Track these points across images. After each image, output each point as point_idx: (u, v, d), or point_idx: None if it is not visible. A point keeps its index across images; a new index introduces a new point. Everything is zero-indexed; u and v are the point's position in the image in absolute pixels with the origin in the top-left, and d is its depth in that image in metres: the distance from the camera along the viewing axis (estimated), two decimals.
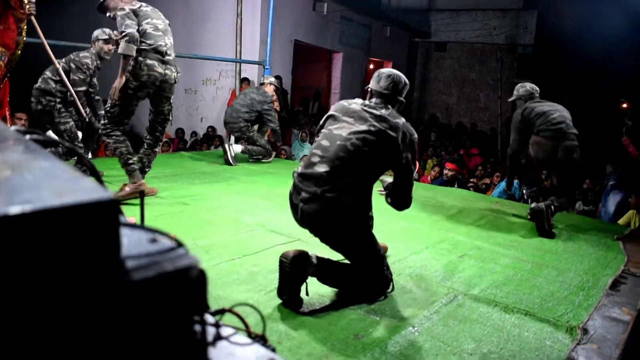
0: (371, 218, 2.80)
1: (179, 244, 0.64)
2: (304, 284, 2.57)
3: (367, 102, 2.87)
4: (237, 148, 6.95)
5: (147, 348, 0.55)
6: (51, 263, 0.48)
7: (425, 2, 15.84)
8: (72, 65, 4.79)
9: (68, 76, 4.71)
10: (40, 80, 4.80)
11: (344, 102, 2.90)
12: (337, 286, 2.75)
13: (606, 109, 14.16)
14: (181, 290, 0.58)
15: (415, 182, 6.88)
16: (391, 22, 14.56)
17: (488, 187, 7.96)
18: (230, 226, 3.84)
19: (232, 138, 7.92)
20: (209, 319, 0.76)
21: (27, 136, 0.83)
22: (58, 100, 4.85)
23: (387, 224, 4.25)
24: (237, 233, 3.68)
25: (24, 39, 3.63)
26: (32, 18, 3.65)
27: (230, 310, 0.90)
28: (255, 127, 7.28)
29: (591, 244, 4.15)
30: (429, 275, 3.16)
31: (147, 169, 4.62)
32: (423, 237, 3.98)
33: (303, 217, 2.68)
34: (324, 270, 2.65)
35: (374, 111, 2.76)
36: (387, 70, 2.95)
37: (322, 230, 2.71)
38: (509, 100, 5.30)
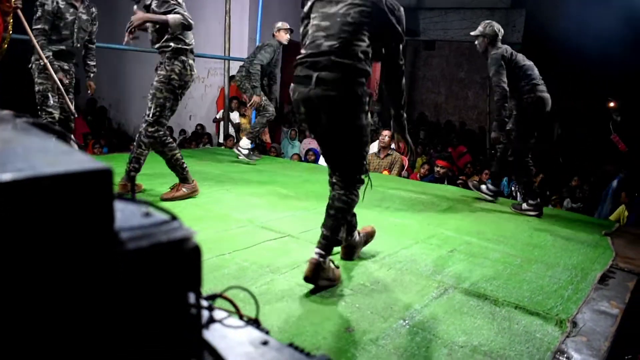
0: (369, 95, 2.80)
1: (173, 217, 0.63)
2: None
3: None
4: (243, 143, 6.75)
5: (141, 319, 0.54)
6: (44, 231, 0.47)
7: (414, 0, 15.86)
8: None
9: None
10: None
11: None
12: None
13: (598, 107, 14.25)
14: (176, 261, 0.57)
15: (404, 179, 6.93)
16: None
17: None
18: (220, 222, 3.82)
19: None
20: (202, 302, 0.75)
21: (17, 119, 0.81)
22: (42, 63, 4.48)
23: (377, 219, 4.26)
24: (228, 229, 3.66)
25: (10, 32, 3.59)
26: (19, 12, 3.61)
27: (221, 295, 0.89)
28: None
29: (580, 239, 4.18)
30: (419, 269, 3.16)
31: None
32: (413, 232, 3.98)
33: (318, 83, 2.61)
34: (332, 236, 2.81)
35: None
36: None
37: (335, 102, 2.64)
38: (472, 33, 5.24)
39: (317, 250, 2.73)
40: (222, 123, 9.11)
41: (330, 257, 2.78)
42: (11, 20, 3.53)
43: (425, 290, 2.85)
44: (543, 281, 3.15)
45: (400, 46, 2.89)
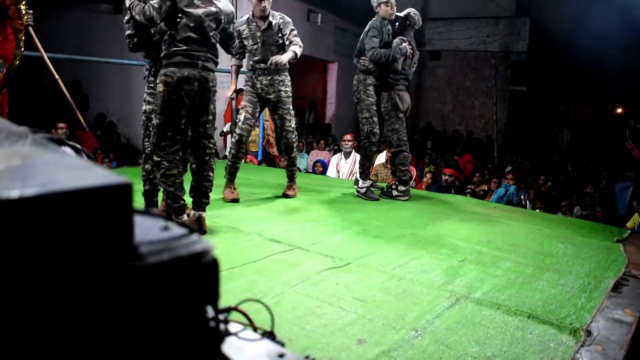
0: None
1: (191, 231, 0.63)
2: None
3: None
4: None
5: (161, 333, 0.54)
6: (66, 245, 0.47)
7: (419, 11, 15.88)
8: None
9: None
10: None
11: None
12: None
13: (604, 113, 14.23)
14: (195, 275, 0.57)
15: (412, 189, 6.93)
16: None
17: (486, 193, 7.96)
18: (228, 235, 3.82)
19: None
20: (219, 315, 0.75)
21: (34, 135, 0.82)
22: None
23: (385, 229, 4.26)
24: (237, 242, 3.66)
25: (22, 50, 3.63)
26: (30, 29, 3.65)
27: (236, 309, 0.89)
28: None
29: (591, 246, 4.15)
30: (430, 279, 3.15)
31: None
32: (422, 242, 3.96)
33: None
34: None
35: None
36: None
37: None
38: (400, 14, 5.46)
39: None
40: (229, 136, 9.14)
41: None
42: (23, 38, 3.57)
43: (436, 300, 2.83)
44: (556, 290, 3.12)
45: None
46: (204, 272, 0.58)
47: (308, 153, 10.22)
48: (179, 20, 3.50)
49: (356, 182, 5.77)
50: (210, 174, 3.85)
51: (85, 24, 12.17)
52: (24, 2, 3.31)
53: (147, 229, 0.59)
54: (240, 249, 3.49)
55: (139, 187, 5.09)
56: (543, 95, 14.93)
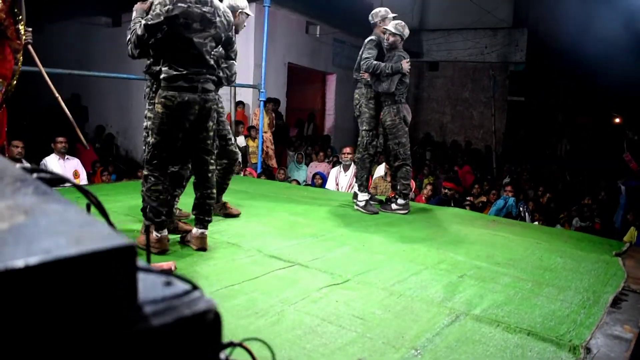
0: None
1: (194, 287, 0.64)
2: None
3: None
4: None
5: None
6: (71, 311, 0.48)
7: (417, 22, 15.98)
8: None
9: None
10: None
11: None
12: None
13: (602, 123, 14.27)
14: (198, 334, 0.58)
15: (411, 202, 6.93)
16: None
17: (485, 205, 7.97)
18: (228, 251, 3.83)
19: None
20: (220, 355, 0.76)
21: (34, 175, 0.83)
22: None
23: (384, 244, 4.26)
24: (236, 258, 3.66)
25: (20, 68, 3.65)
26: (30, 47, 3.67)
27: (240, 345, 0.90)
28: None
29: (590, 260, 4.15)
30: (429, 296, 3.15)
31: None
32: (422, 257, 3.97)
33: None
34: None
35: None
36: None
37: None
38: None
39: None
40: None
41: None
42: (21, 58, 3.59)
43: (436, 317, 2.83)
44: (555, 305, 3.12)
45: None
46: (207, 330, 0.59)
47: (307, 165, 10.23)
48: (178, 45, 3.47)
49: (355, 195, 5.77)
50: (213, 190, 3.83)
51: (84, 37, 12.24)
52: (22, 23, 3.33)
53: (150, 286, 0.60)
54: (240, 266, 3.49)
55: (137, 202, 5.09)
56: (541, 105, 14.98)
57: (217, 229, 4.47)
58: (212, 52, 3.65)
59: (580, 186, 10.19)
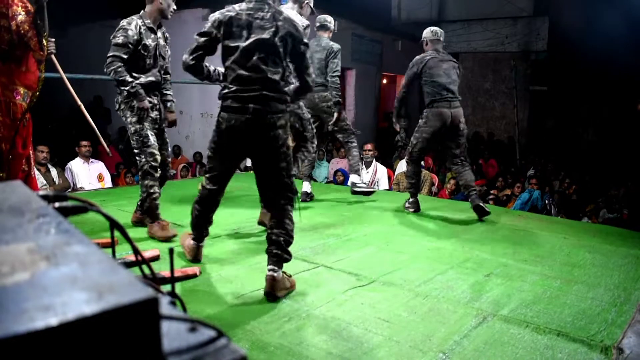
0: None
1: (220, 334, 0.62)
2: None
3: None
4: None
5: None
6: None
7: (435, 13, 15.84)
8: None
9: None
10: None
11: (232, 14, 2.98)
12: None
13: (630, 112, 13.96)
14: None
15: (434, 198, 6.87)
16: (402, 36, 14.59)
17: (509, 198, 7.87)
18: (253, 254, 3.82)
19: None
20: None
21: (56, 204, 0.83)
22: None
23: (409, 244, 4.23)
24: (261, 261, 3.65)
25: (43, 78, 3.69)
26: (52, 57, 3.71)
27: None
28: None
29: (619, 255, 4.07)
30: (456, 296, 3.12)
31: None
32: (447, 256, 3.93)
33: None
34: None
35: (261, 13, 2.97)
36: None
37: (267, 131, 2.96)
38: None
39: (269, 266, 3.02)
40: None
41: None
42: (44, 69, 3.63)
43: (463, 319, 2.80)
44: (585, 304, 3.07)
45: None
46: None
47: (329, 162, 10.20)
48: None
49: (353, 184, 5.77)
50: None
51: (105, 40, 12.35)
52: (45, 34, 3.37)
53: (174, 334, 0.59)
54: (264, 269, 3.47)
55: (162, 203, 5.13)
56: (565, 94, 14.74)
57: (242, 230, 4.48)
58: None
59: (607, 177, 9.99)
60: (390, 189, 7.33)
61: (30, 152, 3.86)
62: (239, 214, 5.08)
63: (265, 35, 2.91)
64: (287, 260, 3.09)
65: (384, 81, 14.82)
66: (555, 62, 14.41)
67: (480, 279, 3.43)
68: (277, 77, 2.96)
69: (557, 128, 15.02)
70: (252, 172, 3.90)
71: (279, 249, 3.05)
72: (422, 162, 8.35)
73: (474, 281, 3.39)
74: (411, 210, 5.41)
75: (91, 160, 7.31)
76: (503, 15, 14.69)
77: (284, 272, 3.06)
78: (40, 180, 6.07)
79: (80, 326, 0.47)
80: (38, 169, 6.05)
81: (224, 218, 4.95)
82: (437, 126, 5.19)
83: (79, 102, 3.98)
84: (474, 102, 16.04)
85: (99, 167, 7.44)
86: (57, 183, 6.58)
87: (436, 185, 7.72)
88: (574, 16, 13.67)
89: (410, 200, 5.48)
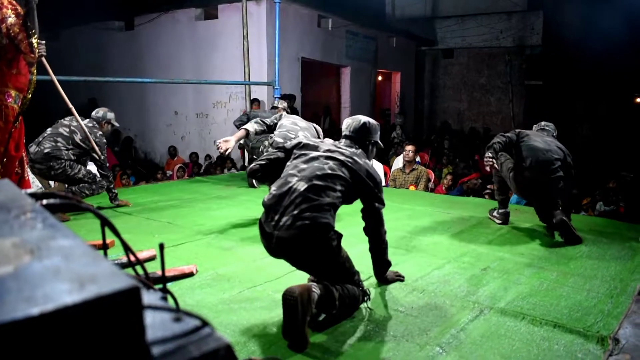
0: (338, 235, 2.68)
1: (204, 323, 0.62)
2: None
3: (336, 142, 2.97)
4: None
5: None
6: (78, 357, 0.47)
7: (430, 10, 15.85)
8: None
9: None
10: (49, 145, 4.78)
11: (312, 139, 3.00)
12: (332, 309, 2.62)
13: (625, 106, 13.99)
14: None
15: (431, 194, 6.88)
16: (396, 32, 14.58)
17: None
18: (250, 252, 3.83)
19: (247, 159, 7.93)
20: None
21: (44, 201, 0.83)
22: (69, 162, 4.93)
23: (406, 239, 4.23)
24: (258, 259, 3.66)
25: (35, 78, 3.68)
26: (43, 59, 3.70)
27: None
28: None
29: (616, 248, 4.08)
30: (452, 290, 3.12)
31: None
32: (444, 251, 3.93)
33: (278, 244, 2.59)
34: (326, 297, 2.55)
35: (344, 149, 2.85)
36: (358, 116, 3.10)
37: (299, 254, 2.64)
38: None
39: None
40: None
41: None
42: (35, 71, 3.62)
43: (460, 313, 2.81)
44: (581, 296, 3.07)
45: (380, 207, 2.91)
46: None
47: None
48: None
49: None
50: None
51: (98, 42, 12.34)
52: (35, 36, 3.36)
53: (159, 323, 0.59)
54: (261, 267, 3.49)
55: (158, 205, 5.15)
56: (560, 88, 14.75)
57: (238, 229, 4.49)
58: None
59: (603, 171, 10.00)
60: (386, 185, 7.32)
61: (24, 154, 3.85)
62: (238, 214, 5.09)
63: None
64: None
65: (379, 78, 14.80)
66: (550, 57, 14.42)
67: (477, 273, 3.44)
68: None
69: (553, 122, 15.00)
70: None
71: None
72: (418, 158, 8.36)
73: (470, 275, 3.39)
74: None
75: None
76: (497, 10, 14.70)
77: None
78: (35, 183, 6.05)
79: (62, 316, 0.47)
80: (33, 172, 6.04)
81: (222, 217, 4.96)
82: None
83: (70, 105, 3.98)
84: (470, 97, 16.05)
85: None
86: (52, 186, 6.56)
87: (432, 181, 7.71)
88: (568, 10, 13.69)
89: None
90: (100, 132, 5.22)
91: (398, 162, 8.03)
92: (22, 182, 3.75)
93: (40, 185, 6.33)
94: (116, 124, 5.44)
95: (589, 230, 4.64)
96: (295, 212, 2.54)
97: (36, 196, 0.84)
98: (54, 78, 4.00)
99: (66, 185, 5.12)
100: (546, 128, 5.05)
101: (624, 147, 11.98)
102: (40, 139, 4.80)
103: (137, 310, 0.52)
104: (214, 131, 11.20)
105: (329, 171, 2.68)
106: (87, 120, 5.12)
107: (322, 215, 2.56)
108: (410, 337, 2.51)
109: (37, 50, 3.42)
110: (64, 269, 0.53)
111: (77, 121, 4.67)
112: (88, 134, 4.68)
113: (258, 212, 5.11)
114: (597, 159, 11.74)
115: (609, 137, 13.75)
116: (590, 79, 13.89)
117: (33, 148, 4.70)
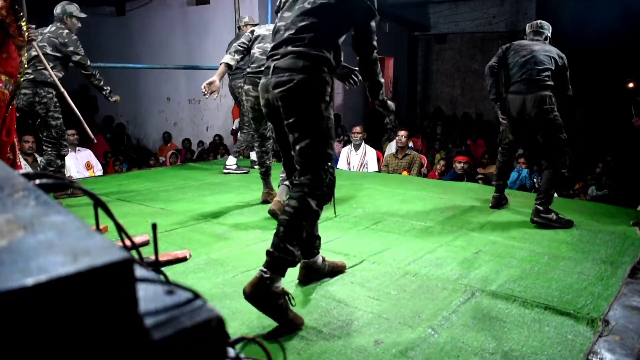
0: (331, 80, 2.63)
1: (196, 295, 0.63)
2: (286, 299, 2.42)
3: None
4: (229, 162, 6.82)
5: None
6: (70, 328, 0.48)
7: None
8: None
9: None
10: (33, 71, 4.64)
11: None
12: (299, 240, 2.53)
13: (619, 91, 14.01)
14: (200, 344, 0.57)
15: (423, 179, 6.89)
16: (389, 17, 14.50)
17: None
18: (243, 237, 3.84)
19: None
20: (230, 352, 0.76)
21: (36, 181, 0.83)
22: (55, 93, 4.80)
23: (399, 223, 4.25)
24: (251, 244, 3.68)
25: (26, 66, 3.65)
26: (34, 43, 3.67)
27: (253, 339, 0.90)
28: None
29: (607, 231, 4.11)
30: (444, 274, 3.15)
31: None
32: (436, 235, 3.96)
33: (274, 72, 2.52)
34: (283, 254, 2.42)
35: None
36: None
37: (291, 94, 2.49)
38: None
39: (262, 267, 2.40)
40: (239, 133, 9.17)
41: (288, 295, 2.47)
42: (25, 54, 3.59)
43: (452, 295, 2.83)
44: (572, 278, 3.11)
45: (372, 23, 2.69)
46: (209, 340, 0.59)
47: None
48: None
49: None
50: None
51: (89, 28, 12.21)
52: (23, 20, 3.32)
53: (152, 296, 0.60)
54: (255, 251, 3.50)
55: (151, 188, 5.14)
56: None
57: (231, 214, 4.50)
58: None
59: (596, 156, 10.05)
60: (379, 170, 7.34)
61: (15, 140, 3.83)
62: (231, 200, 5.10)
63: None
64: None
65: None
66: None
67: (469, 257, 3.46)
68: None
69: None
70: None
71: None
72: (411, 144, 8.37)
73: (462, 258, 3.42)
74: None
75: (78, 148, 7.25)
76: None
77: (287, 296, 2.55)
78: (27, 170, 6.03)
79: (56, 287, 0.47)
80: (25, 159, 6.01)
81: (215, 203, 4.96)
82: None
83: (62, 89, 3.96)
84: (463, 83, 16.03)
85: (86, 155, 7.39)
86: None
87: (425, 166, 7.74)
88: None
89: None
90: (67, 31, 5.10)
91: (391, 148, 8.04)
92: (14, 167, 3.73)
93: (32, 171, 6.31)
94: (81, 15, 5.32)
95: (581, 213, 4.68)
96: (290, 47, 2.51)
97: (29, 176, 0.85)
98: (47, 63, 3.97)
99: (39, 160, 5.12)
100: (540, 30, 5.03)
101: (615, 132, 12.02)
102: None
103: (130, 282, 0.53)
104: (207, 117, 11.16)
105: (309, 6, 2.55)
106: (50, 25, 5.04)
107: (316, 48, 2.50)
108: (403, 319, 2.54)
109: (27, 34, 3.39)
110: (58, 243, 0.54)
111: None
112: (62, 90, 4.60)
113: (251, 197, 5.14)
114: (590, 144, 11.79)
115: (602, 122, 13.80)
116: (583, 63, 13.90)
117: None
